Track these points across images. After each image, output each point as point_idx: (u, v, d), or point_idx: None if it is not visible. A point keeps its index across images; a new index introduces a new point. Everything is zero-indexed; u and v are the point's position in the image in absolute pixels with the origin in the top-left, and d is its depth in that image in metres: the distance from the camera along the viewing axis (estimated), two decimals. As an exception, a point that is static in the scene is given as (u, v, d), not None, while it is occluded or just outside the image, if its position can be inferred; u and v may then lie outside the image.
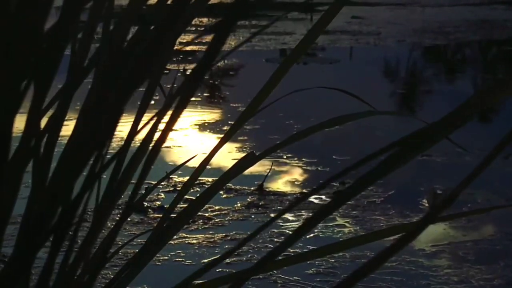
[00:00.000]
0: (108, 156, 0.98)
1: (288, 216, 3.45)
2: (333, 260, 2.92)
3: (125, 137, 1.04)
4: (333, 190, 3.76)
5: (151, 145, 1.05)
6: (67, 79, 0.97)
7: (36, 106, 0.84)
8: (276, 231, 3.24)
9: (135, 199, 1.06)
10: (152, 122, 0.99)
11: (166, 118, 0.98)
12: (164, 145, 4.93)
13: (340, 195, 0.69)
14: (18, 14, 0.73)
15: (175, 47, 1.11)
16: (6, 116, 0.77)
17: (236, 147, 4.66)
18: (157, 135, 1.04)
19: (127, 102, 0.85)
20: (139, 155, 1.05)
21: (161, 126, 1.02)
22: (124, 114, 0.88)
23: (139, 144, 1.06)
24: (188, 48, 8.97)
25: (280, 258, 2.92)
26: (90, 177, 0.93)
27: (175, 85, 1.08)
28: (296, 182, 3.98)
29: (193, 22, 1.18)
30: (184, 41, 9.34)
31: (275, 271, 2.77)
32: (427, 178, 4.02)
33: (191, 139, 4.98)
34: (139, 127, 1.02)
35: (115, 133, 0.88)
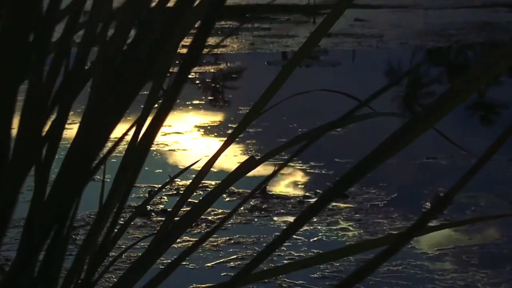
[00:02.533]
0: (114, 160, 0.98)
1: (291, 219, 3.45)
2: (338, 264, 2.91)
3: (129, 140, 1.04)
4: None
5: (143, 146, 1.04)
6: (63, 82, 0.97)
7: (37, 110, 0.83)
8: (279, 234, 3.24)
9: (126, 201, 1.05)
10: (141, 124, 0.98)
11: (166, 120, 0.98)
12: (168, 148, 4.91)
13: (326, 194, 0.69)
14: (14, 17, 0.73)
15: (178, 50, 1.11)
16: (4, 119, 0.77)
17: (240, 150, 4.66)
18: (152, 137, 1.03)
19: (129, 105, 0.84)
20: (138, 157, 1.05)
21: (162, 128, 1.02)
22: (128, 118, 0.88)
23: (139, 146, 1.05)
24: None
25: (285, 262, 2.90)
26: (81, 178, 0.93)
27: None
28: (299, 185, 3.97)
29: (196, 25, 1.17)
30: (187, 43, 9.35)
31: (280, 275, 2.77)
32: (431, 181, 4.01)
33: (195, 142, 4.97)
34: (128, 129, 1.01)
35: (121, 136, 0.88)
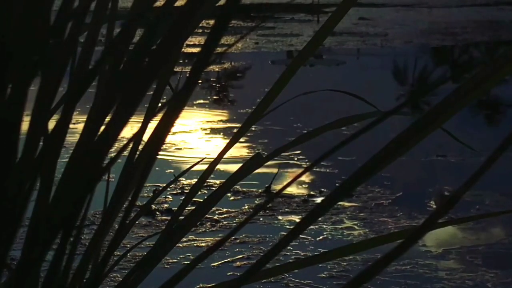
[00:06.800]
0: (119, 160, 0.98)
1: (295, 218, 3.45)
2: (345, 264, 2.90)
3: (133, 139, 1.04)
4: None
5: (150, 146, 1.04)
6: (69, 83, 0.97)
7: (42, 108, 0.83)
8: (285, 234, 3.24)
9: (136, 200, 1.06)
10: (152, 124, 0.98)
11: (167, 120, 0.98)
12: (173, 147, 4.90)
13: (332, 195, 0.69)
14: (23, 13, 0.73)
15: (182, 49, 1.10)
16: (13, 117, 0.77)
17: (245, 149, 4.66)
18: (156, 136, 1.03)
19: (138, 105, 0.84)
20: (142, 156, 1.05)
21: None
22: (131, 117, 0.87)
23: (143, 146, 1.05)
24: (195, 50, 8.98)
25: (291, 261, 2.89)
26: (91, 178, 0.93)
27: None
28: (303, 184, 3.97)
29: (200, 24, 1.17)
30: (191, 43, 9.35)
31: (286, 274, 2.76)
32: (439, 179, 4.00)
33: (200, 141, 4.97)
34: (141, 129, 1.01)
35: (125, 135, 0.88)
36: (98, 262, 1.07)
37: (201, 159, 1.63)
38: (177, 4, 0.97)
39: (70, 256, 1.01)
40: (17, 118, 0.79)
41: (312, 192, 3.82)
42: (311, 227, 3.26)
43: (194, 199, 1.28)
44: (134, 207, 1.05)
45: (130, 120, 0.87)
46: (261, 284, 2.71)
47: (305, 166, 4.28)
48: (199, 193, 2.83)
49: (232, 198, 3.71)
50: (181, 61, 7.96)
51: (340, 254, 1.24)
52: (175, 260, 2.95)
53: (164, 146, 4.82)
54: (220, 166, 3.86)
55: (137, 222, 3.27)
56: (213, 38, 0.70)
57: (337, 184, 3.93)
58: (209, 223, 3.36)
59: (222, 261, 2.94)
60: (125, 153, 1.11)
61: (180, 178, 3.96)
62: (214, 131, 5.25)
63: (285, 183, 4.01)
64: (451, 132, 1.23)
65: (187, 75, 0.81)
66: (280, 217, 3.47)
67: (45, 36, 0.78)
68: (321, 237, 3.21)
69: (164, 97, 1.19)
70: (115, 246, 1.03)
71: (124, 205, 1.12)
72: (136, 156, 1.07)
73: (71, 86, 0.95)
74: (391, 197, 3.71)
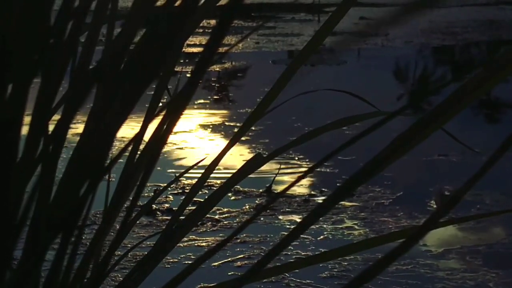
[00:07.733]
0: (121, 160, 0.98)
1: (296, 218, 3.45)
2: (345, 263, 2.90)
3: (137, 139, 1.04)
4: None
5: (153, 145, 1.04)
6: (69, 83, 0.97)
7: (42, 108, 0.83)
8: (285, 233, 3.24)
9: (138, 200, 1.05)
10: (154, 124, 0.99)
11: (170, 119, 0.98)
12: (174, 146, 4.90)
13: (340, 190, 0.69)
14: (24, 13, 0.73)
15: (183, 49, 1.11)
16: (14, 117, 0.77)
17: (246, 149, 4.66)
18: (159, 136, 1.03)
19: (134, 106, 0.84)
20: (144, 156, 1.05)
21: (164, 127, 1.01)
22: (133, 116, 0.87)
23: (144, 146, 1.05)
24: (195, 50, 8.98)
25: (291, 260, 2.89)
26: (93, 178, 0.93)
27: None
28: (304, 184, 3.97)
29: (201, 24, 1.17)
30: (192, 43, 9.35)
31: (287, 274, 2.76)
32: (440, 178, 4.00)
33: (200, 141, 4.97)
34: (142, 129, 1.01)
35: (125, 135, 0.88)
36: (99, 262, 1.07)
37: (200, 159, 1.63)
38: (177, 4, 0.96)
39: (71, 256, 1.01)
40: (18, 118, 0.79)
41: (313, 192, 3.82)
42: (312, 226, 3.26)
43: (194, 199, 1.28)
44: (135, 207, 1.05)
45: (131, 120, 0.87)
46: (262, 283, 2.71)
47: (306, 165, 4.28)
48: (200, 193, 2.83)
49: (233, 198, 3.71)
50: (181, 61, 7.96)
51: (340, 253, 1.24)
52: (176, 260, 2.95)
53: (165, 145, 4.80)
54: (221, 166, 3.86)
55: (137, 222, 3.27)
56: (215, 38, 0.71)
57: (337, 184, 3.93)
58: (210, 222, 3.36)
59: (223, 261, 2.94)
60: (126, 153, 1.11)
61: (181, 178, 3.96)
62: (214, 130, 5.25)
63: (286, 182, 4.01)
64: (452, 131, 1.23)
65: (188, 75, 0.81)
66: (280, 217, 3.47)
67: (45, 36, 0.78)
68: (321, 237, 3.20)
69: (165, 97, 1.19)
70: (116, 246, 1.03)
71: (125, 205, 1.12)
72: (137, 156, 1.07)
73: (74, 89, 0.95)
74: (392, 197, 3.71)
